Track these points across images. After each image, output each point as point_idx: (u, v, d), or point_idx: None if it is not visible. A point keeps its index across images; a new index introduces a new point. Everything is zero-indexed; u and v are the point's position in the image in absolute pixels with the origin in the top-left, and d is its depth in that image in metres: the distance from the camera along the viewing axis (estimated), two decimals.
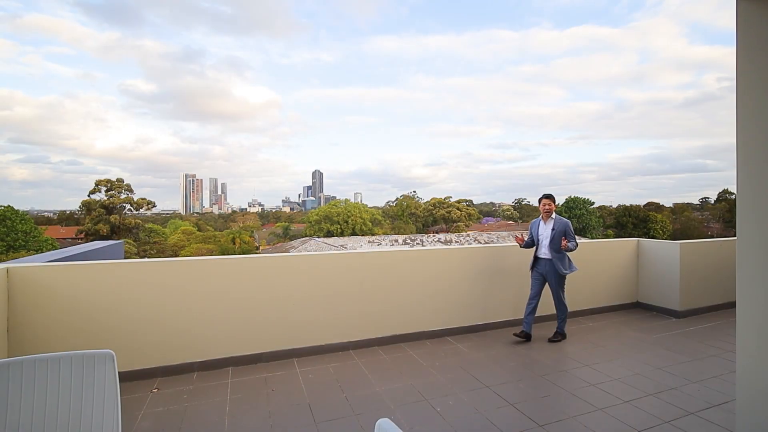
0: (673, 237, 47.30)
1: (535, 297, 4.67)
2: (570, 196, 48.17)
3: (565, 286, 4.72)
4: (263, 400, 3.27)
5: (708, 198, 79.95)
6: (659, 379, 3.65)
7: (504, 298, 5.14)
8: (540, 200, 4.75)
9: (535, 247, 4.78)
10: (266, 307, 4.04)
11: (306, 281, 4.20)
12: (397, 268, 4.57)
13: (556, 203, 4.81)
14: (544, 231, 4.66)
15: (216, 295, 3.88)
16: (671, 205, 71.12)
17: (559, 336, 4.69)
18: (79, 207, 44.78)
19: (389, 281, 4.53)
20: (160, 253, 41.64)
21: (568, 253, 4.65)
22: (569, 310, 5.00)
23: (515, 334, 4.62)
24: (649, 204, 63.58)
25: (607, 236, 47.08)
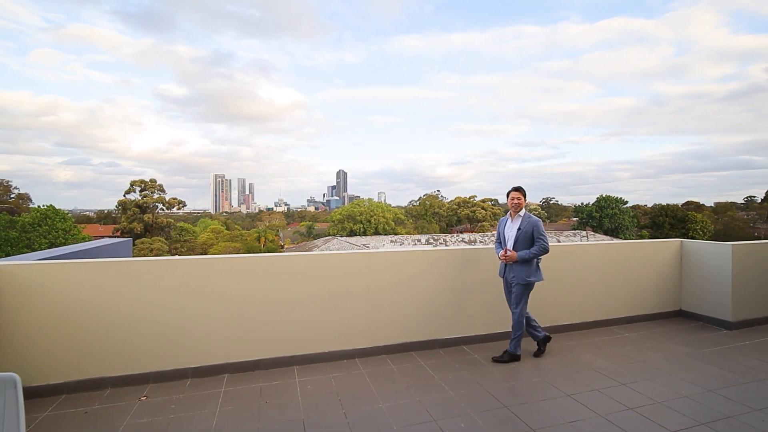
0: (715, 238, 44.42)
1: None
2: (601, 195, 46.16)
3: (529, 299, 4.00)
4: (255, 414, 2.97)
5: (754, 196, 74.72)
6: (712, 404, 3.11)
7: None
8: (508, 194, 4.00)
9: (498, 248, 4.13)
10: (266, 310, 3.76)
11: (309, 283, 3.89)
12: (407, 269, 4.19)
13: (527, 198, 4.04)
14: (510, 230, 3.98)
15: (213, 296, 3.63)
16: (712, 205, 67.02)
17: (508, 357, 3.93)
18: (116, 206, 46.85)
19: (399, 284, 4.16)
20: (190, 251, 42.83)
21: (537, 258, 3.91)
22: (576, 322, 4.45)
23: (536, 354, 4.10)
24: (688, 203, 60.15)
25: (641, 237, 44.82)
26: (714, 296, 5.08)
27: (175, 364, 3.52)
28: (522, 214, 3.94)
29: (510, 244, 3.92)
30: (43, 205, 30.62)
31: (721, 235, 47.03)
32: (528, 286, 3.91)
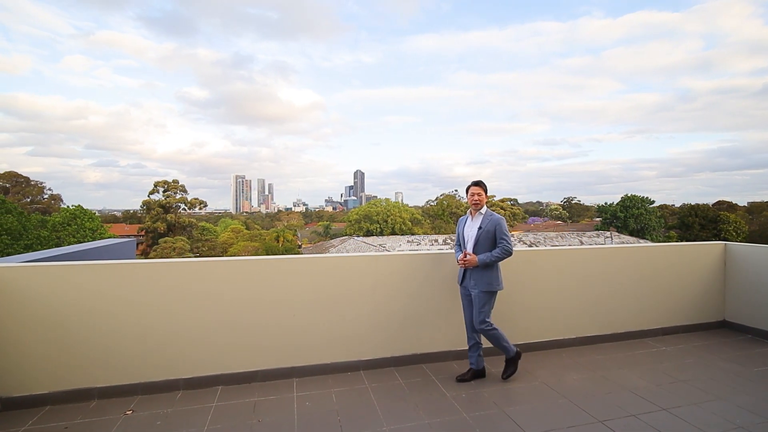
0: (750, 240, 42.15)
1: (471, 322, 3.54)
2: (626, 195, 44.43)
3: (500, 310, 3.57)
4: None
5: None
6: None
7: (563, 309, 4.23)
8: (467, 189, 3.55)
9: (458, 251, 3.61)
10: (264, 318, 3.48)
11: (310, 288, 3.59)
12: (420, 272, 3.84)
13: (488, 193, 3.57)
14: (470, 230, 3.50)
15: (207, 302, 3.37)
16: (746, 204, 63.68)
17: (470, 374, 3.48)
18: (141, 206, 48.17)
19: (410, 289, 3.81)
20: (211, 251, 43.57)
21: (499, 262, 3.44)
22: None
23: (458, 378, 3.49)
24: (719, 203, 57.36)
25: (669, 238, 43.01)
26: (764, 306, 4.52)
27: (166, 374, 3.28)
28: (483, 212, 3.48)
29: (470, 246, 3.44)
30: (73, 206, 31.72)
31: (756, 236, 44.60)
32: (492, 294, 3.43)
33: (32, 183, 44.27)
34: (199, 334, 3.35)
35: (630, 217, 42.94)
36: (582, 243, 25.40)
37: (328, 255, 3.77)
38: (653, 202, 44.79)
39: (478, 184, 3.52)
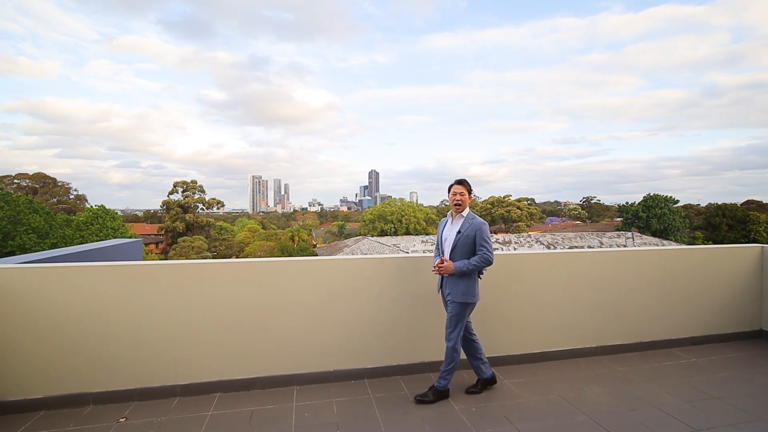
0: None
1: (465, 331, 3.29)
2: (648, 194, 42.97)
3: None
4: None
5: None
6: None
7: (582, 316, 3.97)
8: (450, 188, 3.24)
9: (436, 256, 3.33)
10: (265, 322, 3.33)
11: (314, 291, 3.43)
12: (426, 277, 3.62)
13: (473, 193, 3.26)
14: (449, 234, 3.20)
15: (207, 306, 3.24)
16: None
17: (435, 395, 3.12)
18: (161, 206, 49.32)
19: (415, 294, 3.60)
20: (228, 249, 44.23)
21: (478, 271, 3.15)
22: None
23: (469, 390, 3.27)
24: (748, 202, 54.99)
25: (694, 239, 41.41)
26: None
27: (163, 380, 3.16)
28: (465, 215, 3.18)
29: (447, 252, 3.16)
30: (96, 206, 32.69)
31: None
32: (466, 306, 3.12)
33: (59, 184, 45.88)
34: (198, 339, 3.23)
35: (653, 217, 41.52)
36: (602, 243, 24.60)
37: (332, 257, 3.60)
38: (677, 201, 43.18)
39: (462, 182, 3.20)
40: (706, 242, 41.05)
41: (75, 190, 47.17)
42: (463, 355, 3.43)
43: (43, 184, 44.90)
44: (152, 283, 3.16)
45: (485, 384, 3.30)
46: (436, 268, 3.15)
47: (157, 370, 3.16)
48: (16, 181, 43.74)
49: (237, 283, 3.30)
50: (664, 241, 29.72)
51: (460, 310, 3.10)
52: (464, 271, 3.06)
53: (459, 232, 3.12)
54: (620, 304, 4.11)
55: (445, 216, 3.40)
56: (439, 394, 3.14)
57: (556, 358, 3.88)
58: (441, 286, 3.26)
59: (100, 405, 3.03)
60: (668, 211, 41.73)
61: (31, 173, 45.10)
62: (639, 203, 43.00)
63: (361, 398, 3.16)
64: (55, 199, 44.18)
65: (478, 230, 3.08)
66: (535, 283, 3.87)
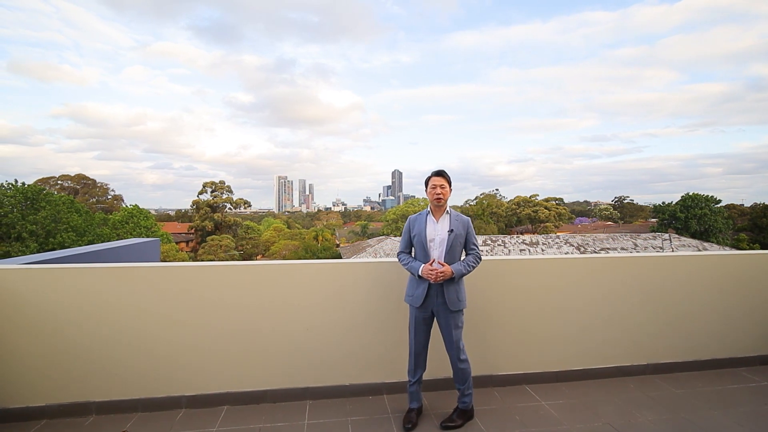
0: None
1: (424, 350, 2.85)
2: (687, 193, 40.60)
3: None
4: None
5: None
6: None
7: (629, 328, 3.51)
8: (427, 180, 2.83)
9: (413, 261, 2.80)
10: (278, 330, 3.08)
11: (330, 297, 3.15)
12: None
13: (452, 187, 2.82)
14: (436, 233, 2.75)
15: (217, 312, 3.02)
16: None
17: (462, 417, 2.78)
18: (191, 206, 50.84)
19: None
20: (255, 248, 45.07)
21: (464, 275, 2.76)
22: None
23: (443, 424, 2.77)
24: None
25: (738, 240, 38.79)
26: None
27: (168, 390, 2.96)
28: (449, 211, 2.81)
29: (440, 254, 2.71)
30: (131, 205, 34.03)
31: None
32: (461, 314, 2.79)
33: (98, 184, 48.12)
34: (206, 347, 3.01)
35: (692, 217, 39.22)
36: (636, 245, 23.32)
37: (349, 260, 3.31)
38: (719, 201, 40.59)
39: (441, 174, 2.80)
40: (752, 245, 38.37)
41: (113, 190, 49.39)
42: (503, 370, 3.06)
43: (84, 184, 47.16)
44: (160, 286, 2.97)
45: (419, 413, 2.87)
46: (435, 275, 2.63)
47: (162, 379, 2.96)
48: (59, 182, 46.16)
49: (249, 287, 3.06)
50: (705, 243, 27.86)
51: (461, 319, 2.79)
52: (464, 274, 2.73)
53: (451, 230, 2.72)
54: (672, 316, 3.62)
55: (417, 213, 2.96)
56: (465, 415, 2.80)
57: (601, 377, 3.45)
58: (424, 299, 2.72)
59: (102, 415, 2.86)
60: (709, 211, 39.27)
61: (72, 174, 47.47)
62: (677, 203, 40.72)
63: (378, 417, 2.85)
64: (94, 199, 46.34)
65: (469, 227, 2.80)
66: (576, 291, 3.44)
